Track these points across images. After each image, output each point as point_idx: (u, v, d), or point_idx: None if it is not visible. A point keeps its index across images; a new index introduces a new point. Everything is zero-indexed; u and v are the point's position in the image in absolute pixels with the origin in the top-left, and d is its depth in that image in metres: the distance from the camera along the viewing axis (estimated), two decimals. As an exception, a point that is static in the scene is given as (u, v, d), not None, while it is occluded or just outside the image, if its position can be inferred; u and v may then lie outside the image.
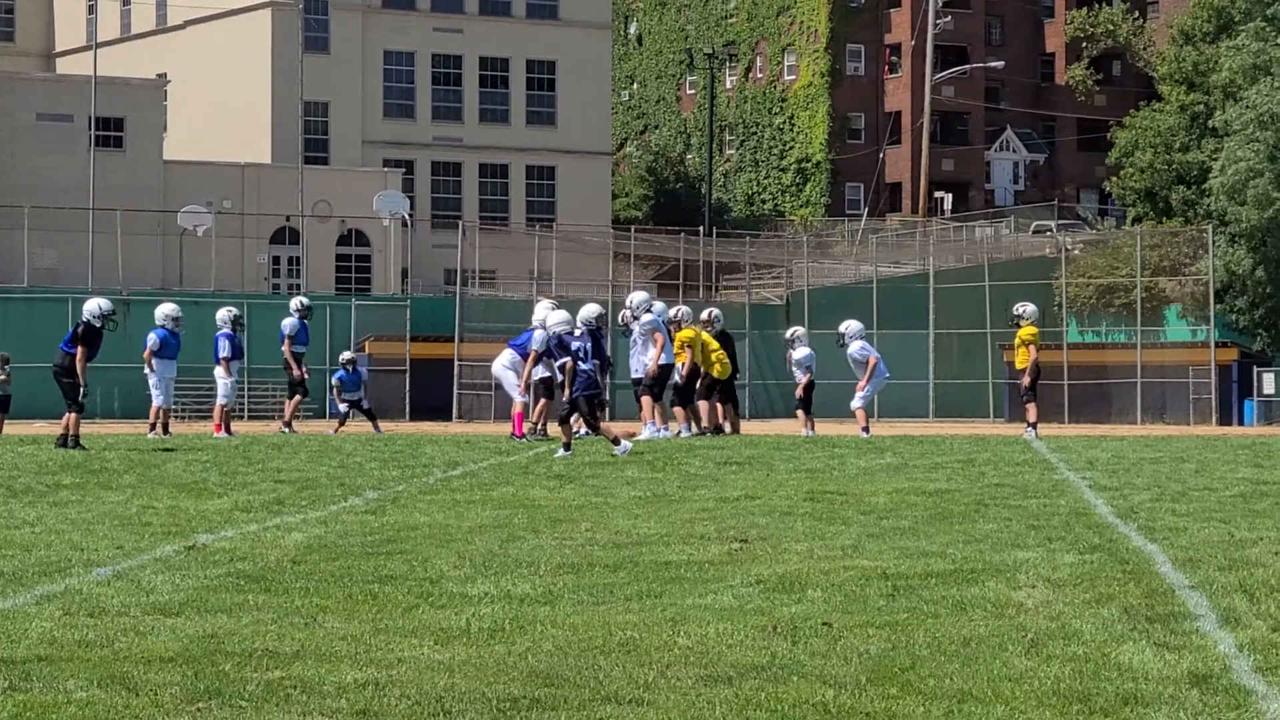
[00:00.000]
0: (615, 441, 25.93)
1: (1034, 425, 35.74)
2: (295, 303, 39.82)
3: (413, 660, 8.50)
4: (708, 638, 9.09)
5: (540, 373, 32.70)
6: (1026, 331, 36.04)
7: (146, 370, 33.84)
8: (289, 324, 38.55)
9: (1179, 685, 7.87)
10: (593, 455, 25.37)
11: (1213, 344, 58.86)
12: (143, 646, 8.79)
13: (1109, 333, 65.55)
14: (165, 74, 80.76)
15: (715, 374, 36.63)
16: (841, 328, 36.95)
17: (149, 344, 33.67)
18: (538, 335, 31.51)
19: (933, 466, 22.99)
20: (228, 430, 35.18)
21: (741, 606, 10.18)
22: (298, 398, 38.79)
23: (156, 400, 33.85)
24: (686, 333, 36.33)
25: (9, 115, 72.47)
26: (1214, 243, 61.27)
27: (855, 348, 36.38)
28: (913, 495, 18.00)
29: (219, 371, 36.04)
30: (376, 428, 38.82)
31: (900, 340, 59.97)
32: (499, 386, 35.90)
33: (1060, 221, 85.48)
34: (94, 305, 29.13)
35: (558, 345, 26.80)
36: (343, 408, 40.66)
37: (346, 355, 42.10)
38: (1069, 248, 69.46)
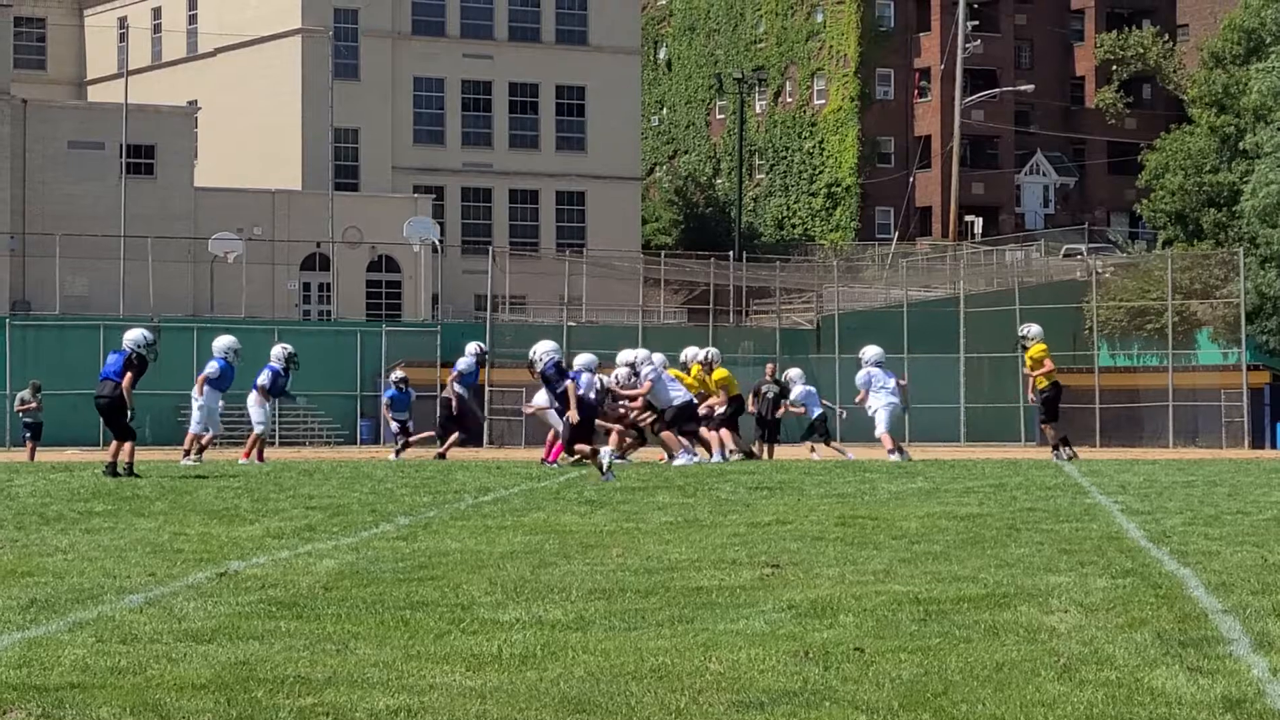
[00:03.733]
0: (601, 468, 25.92)
1: (1057, 447, 35.56)
2: (473, 346, 40.05)
3: (445, 687, 8.50)
4: (739, 663, 9.07)
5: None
6: (1036, 350, 35.86)
7: (195, 393, 33.76)
8: (464, 363, 39.13)
9: (1212, 710, 7.84)
10: (624, 481, 25.37)
11: (1244, 367, 58.72)
12: (175, 673, 8.80)
13: (1140, 356, 65.41)
14: (196, 101, 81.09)
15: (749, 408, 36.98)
16: (860, 353, 37.08)
17: (207, 370, 33.67)
18: (585, 378, 31.46)
19: (964, 491, 22.93)
20: (260, 458, 35.14)
21: (773, 632, 10.16)
22: (447, 435, 39.14)
23: (194, 427, 33.79)
24: (720, 373, 36.28)
25: (41, 143, 72.77)
26: (1245, 265, 61.15)
27: (859, 376, 36.39)
28: (944, 520, 17.95)
29: (252, 399, 35.81)
30: (402, 449, 39.17)
31: (931, 364, 59.93)
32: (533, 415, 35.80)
33: (1091, 245, 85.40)
34: (139, 336, 28.22)
35: (555, 370, 27.12)
36: (394, 427, 40.81)
37: (398, 374, 42.10)
38: (1099, 271, 69.41)
